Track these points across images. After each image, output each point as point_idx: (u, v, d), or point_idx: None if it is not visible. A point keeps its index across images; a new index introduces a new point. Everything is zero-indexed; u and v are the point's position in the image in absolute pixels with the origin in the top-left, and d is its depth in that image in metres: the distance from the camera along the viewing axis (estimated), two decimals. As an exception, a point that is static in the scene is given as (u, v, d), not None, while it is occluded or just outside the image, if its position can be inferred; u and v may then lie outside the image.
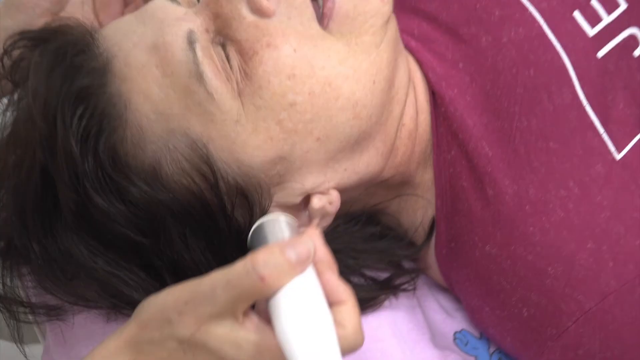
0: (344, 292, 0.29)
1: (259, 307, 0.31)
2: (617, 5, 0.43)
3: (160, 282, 0.38)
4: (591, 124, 0.41)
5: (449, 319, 0.47)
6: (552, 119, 0.41)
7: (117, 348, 0.32)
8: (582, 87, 0.41)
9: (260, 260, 0.27)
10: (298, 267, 0.27)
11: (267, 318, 0.29)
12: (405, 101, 0.42)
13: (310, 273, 0.28)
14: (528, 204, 0.41)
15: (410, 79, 0.43)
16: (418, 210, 0.45)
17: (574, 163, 0.41)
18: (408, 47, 0.46)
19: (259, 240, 0.33)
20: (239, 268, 0.28)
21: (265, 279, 0.26)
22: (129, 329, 0.32)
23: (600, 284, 0.39)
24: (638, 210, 0.39)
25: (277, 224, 0.33)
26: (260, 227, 0.33)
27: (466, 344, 0.45)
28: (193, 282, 0.29)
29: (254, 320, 0.29)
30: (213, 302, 0.28)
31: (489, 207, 0.41)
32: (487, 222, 0.41)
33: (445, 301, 0.48)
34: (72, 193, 0.36)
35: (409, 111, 0.42)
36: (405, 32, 0.46)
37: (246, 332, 0.29)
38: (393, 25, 0.40)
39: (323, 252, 0.29)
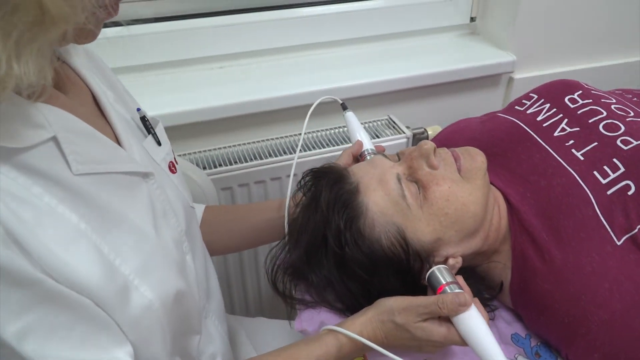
0: (485, 313, 0.65)
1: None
2: (618, 169, 0.74)
3: (368, 299, 0.72)
4: (603, 225, 0.72)
5: (508, 327, 0.80)
6: (582, 222, 0.73)
7: (362, 321, 0.67)
8: (599, 208, 0.73)
9: (448, 302, 0.63)
10: (469, 305, 0.63)
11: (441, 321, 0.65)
12: (492, 211, 0.76)
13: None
14: (570, 263, 0.71)
15: (495, 200, 0.78)
16: (498, 269, 0.79)
17: (594, 244, 0.71)
18: (500, 187, 0.81)
19: (435, 279, 0.69)
20: (430, 301, 0.64)
21: (458, 311, 0.63)
22: (370, 313, 0.67)
23: (611, 306, 0.67)
24: (631, 270, 0.68)
25: (442, 270, 0.70)
26: (433, 272, 0.70)
27: (517, 341, 0.79)
28: (409, 299, 0.65)
29: (439, 321, 0.65)
30: (417, 314, 0.64)
31: (546, 264, 0.72)
32: (545, 272, 0.72)
33: (506, 316, 0.82)
34: (337, 248, 0.72)
35: (495, 216, 0.77)
36: (499, 178, 0.81)
37: (438, 327, 0.64)
38: (487, 173, 0.75)
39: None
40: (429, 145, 0.74)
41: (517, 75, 1.41)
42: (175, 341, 0.62)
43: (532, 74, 1.41)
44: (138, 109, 0.72)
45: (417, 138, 1.31)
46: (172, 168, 0.72)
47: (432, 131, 1.31)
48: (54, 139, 0.51)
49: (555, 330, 0.72)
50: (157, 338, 0.57)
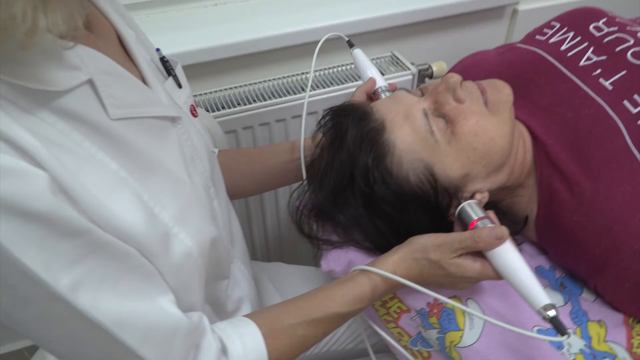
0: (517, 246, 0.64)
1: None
2: (649, 97, 0.73)
3: (397, 237, 0.70)
4: (634, 156, 0.70)
5: (532, 260, 0.80)
6: (612, 153, 0.71)
7: (395, 260, 0.66)
8: (630, 138, 0.71)
9: (484, 235, 0.62)
10: (506, 238, 0.62)
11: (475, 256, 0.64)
12: (518, 145, 0.74)
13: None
14: (600, 195, 0.69)
15: (519, 134, 0.76)
16: (522, 203, 0.78)
17: (626, 175, 0.69)
18: (524, 120, 0.78)
19: (466, 215, 0.68)
20: (465, 236, 0.63)
21: (494, 245, 0.62)
22: (403, 251, 0.66)
23: None
24: None
25: (473, 205, 0.68)
26: (463, 207, 0.68)
27: (542, 274, 0.79)
28: (442, 236, 0.64)
29: (473, 257, 0.64)
30: (452, 249, 0.63)
31: (575, 196, 0.71)
32: (574, 204, 0.71)
33: (529, 249, 0.82)
34: (364, 186, 0.70)
35: (520, 150, 0.75)
36: (522, 111, 0.79)
37: (472, 262, 0.63)
38: (513, 107, 0.73)
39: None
40: (455, 78, 0.71)
41: (521, 7, 1.37)
42: (207, 287, 0.61)
43: (537, 4, 1.37)
44: (157, 49, 0.68)
45: (422, 74, 1.27)
46: (194, 112, 0.70)
47: (437, 67, 1.28)
48: (90, 81, 0.48)
49: (584, 261, 0.72)
50: (195, 285, 0.57)
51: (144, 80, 0.59)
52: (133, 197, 0.49)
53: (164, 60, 0.68)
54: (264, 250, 1.34)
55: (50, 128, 0.44)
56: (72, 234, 0.42)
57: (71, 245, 0.42)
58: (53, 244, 0.41)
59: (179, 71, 0.69)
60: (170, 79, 0.67)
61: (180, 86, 0.68)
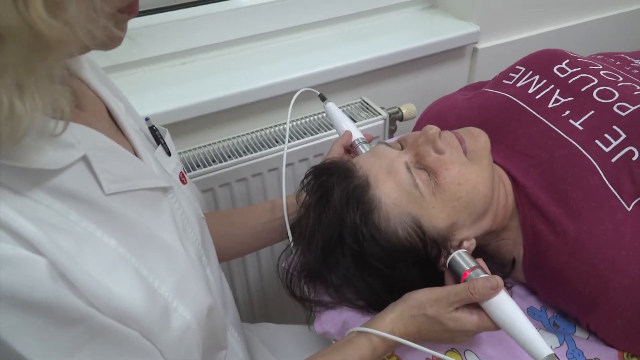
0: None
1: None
2: (619, 136, 0.75)
3: (390, 293, 0.70)
4: (612, 193, 0.72)
5: (523, 302, 0.81)
6: (590, 192, 0.73)
7: (392, 318, 0.65)
8: (605, 176, 0.73)
9: (479, 287, 0.62)
10: (501, 288, 0.62)
11: (471, 309, 0.64)
12: (498, 189, 0.76)
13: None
14: (584, 234, 0.71)
15: (499, 177, 0.77)
16: (508, 245, 0.79)
17: (606, 213, 0.71)
18: (501, 163, 0.80)
19: (457, 265, 0.68)
20: (460, 289, 0.63)
21: (490, 296, 0.62)
22: (399, 309, 0.66)
23: (630, 272, 0.67)
24: None
25: (462, 255, 0.69)
26: (454, 258, 0.69)
27: (534, 315, 0.79)
28: (437, 290, 0.64)
29: (469, 309, 0.64)
30: (448, 303, 0.63)
31: (559, 237, 0.72)
32: (559, 244, 0.72)
33: (519, 291, 0.83)
34: (354, 244, 0.70)
35: (502, 194, 0.77)
36: (498, 155, 0.81)
37: (469, 315, 0.63)
38: (490, 153, 0.74)
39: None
40: (434, 130, 0.72)
41: (481, 46, 1.41)
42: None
43: (496, 42, 1.42)
44: (146, 119, 0.68)
45: (393, 118, 1.29)
46: (183, 178, 0.69)
47: (406, 109, 1.30)
48: (84, 158, 0.48)
49: (574, 301, 0.73)
50: (194, 358, 0.55)
51: (135, 152, 0.59)
52: (133, 273, 0.48)
53: (153, 129, 0.68)
54: (248, 310, 1.32)
55: (47, 210, 0.43)
56: (72, 321, 0.41)
57: (71, 334, 0.41)
58: (52, 334, 0.40)
59: (168, 139, 0.70)
60: (160, 147, 0.67)
61: (169, 154, 0.68)
